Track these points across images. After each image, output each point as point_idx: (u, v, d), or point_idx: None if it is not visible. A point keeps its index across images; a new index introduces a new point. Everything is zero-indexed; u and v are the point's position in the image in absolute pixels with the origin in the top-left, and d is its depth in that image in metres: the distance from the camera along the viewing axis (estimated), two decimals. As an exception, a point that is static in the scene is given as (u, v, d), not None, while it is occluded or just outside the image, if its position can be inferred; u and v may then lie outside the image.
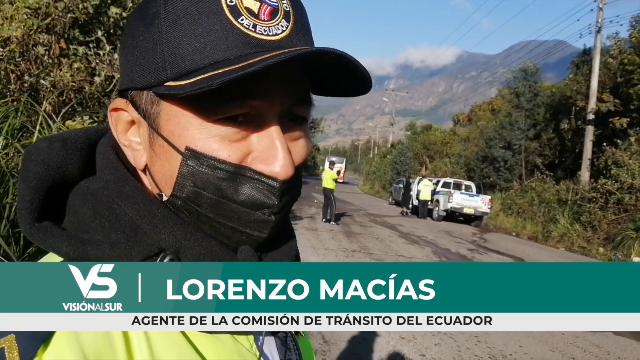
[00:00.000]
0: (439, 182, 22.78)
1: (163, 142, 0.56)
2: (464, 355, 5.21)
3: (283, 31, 0.55)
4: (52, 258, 0.56)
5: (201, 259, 0.57)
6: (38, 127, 3.76)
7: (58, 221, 0.58)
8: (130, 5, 5.73)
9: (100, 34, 5.39)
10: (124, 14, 5.62)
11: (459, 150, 35.33)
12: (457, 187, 22.49)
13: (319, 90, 0.64)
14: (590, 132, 19.91)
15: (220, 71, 0.50)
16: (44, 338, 0.47)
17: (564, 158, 24.35)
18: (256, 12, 0.54)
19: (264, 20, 0.54)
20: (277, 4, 0.56)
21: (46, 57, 4.84)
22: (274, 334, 0.67)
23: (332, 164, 16.93)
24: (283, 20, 0.56)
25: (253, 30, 0.53)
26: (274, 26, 0.55)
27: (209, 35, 0.52)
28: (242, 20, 0.53)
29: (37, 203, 0.56)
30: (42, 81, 4.71)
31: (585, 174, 19.63)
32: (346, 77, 0.58)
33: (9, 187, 3.20)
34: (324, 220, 15.58)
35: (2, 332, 0.46)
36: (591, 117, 19.68)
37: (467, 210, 20.33)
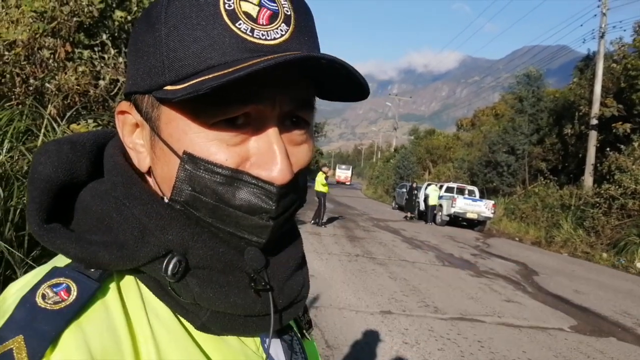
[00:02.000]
0: (442, 186, 22.80)
1: (163, 145, 0.57)
2: (467, 360, 5.20)
3: (282, 35, 0.54)
4: (60, 259, 0.57)
5: (208, 259, 0.57)
6: (43, 130, 3.77)
7: (66, 223, 0.59)
8: (135, 8, 5.75)
9: (105, 37, 5.41)
10: (129, 18, 5.64)
11: (462, 155, 35.33)
12: (460, 191, 22.50)
13: (321, 94, 0.63)
14: (593, 137, 19.88)
15: (211, 75, 0.50)
16: (52, 338, 0.47)
17: (567, 163, 24.30)
18: (254, 16, 0.53)
19: (262, 24, 0.54)
20: (277, 8, 0.55)
21: (51, 61, 4.85)
22: (279, 336, 0.67)
23: (325, 166, 16.97)
24: (282, 24, 0.55)
25: (250, 34, 0.53)
26: (272, 30, 0.54)
27: (206, 39, 0.52)
28: (240, 24, 0.53)
29: (46, 205, 0.57)
30: (47, 84, 4.72)
31: (588, 179, 19.60)
32: (342, 82, 0.58)
33: (13, 190, 3.20)
34: (316, 222, 15.65)
35: (11, 334, 0.47)
36: (594, 122, 19.66)
37: (470, 215, 20.33)
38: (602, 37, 20.03)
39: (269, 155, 0.55)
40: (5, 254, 2.86)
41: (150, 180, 0.62)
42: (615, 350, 6.07)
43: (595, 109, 19.61)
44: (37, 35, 4.77)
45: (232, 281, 0.59)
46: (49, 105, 4.48)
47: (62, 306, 0.50)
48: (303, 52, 0.55)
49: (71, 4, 5.01)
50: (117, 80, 5.24)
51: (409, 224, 20.85)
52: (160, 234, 0.56)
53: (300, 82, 0.58)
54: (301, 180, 0.61)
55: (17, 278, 0.67)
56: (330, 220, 17.00)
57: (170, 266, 0.55)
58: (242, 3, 0.53)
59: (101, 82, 5.10)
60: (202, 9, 0.53)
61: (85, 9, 5.13)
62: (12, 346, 0.46)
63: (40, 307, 0.49)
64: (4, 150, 3.49)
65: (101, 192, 0.59)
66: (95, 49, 5.38)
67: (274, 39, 0.54)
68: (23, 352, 0.46)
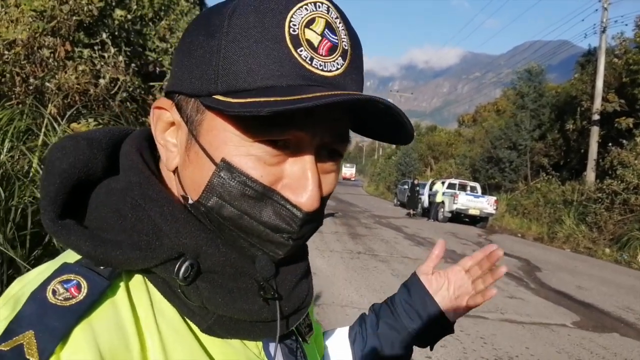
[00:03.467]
0: (443, 182, 22.83)
1: (199, 150, 0.57)
2: (470, 356, 5.19)
3: (337, 68, 0.56)
4: (69, 256, 0.57)
5: (220, 265, 0.58)
6: (43, 130, 3.77)
7: (79, 219, 0.59)
8: (135, 7, 5.75)
9: (104, 36, 5.40)
10: (129, 16, 5.64)
11: (463, 151, 35.34)
12: (462, 188, 22.50)
13: (358, 129, 0.65)
14: (595, 132, 19.86)
15: (272, 99, 0.50)
16: (62, 335, 0.47)
17: (569, 158, 24.28)
18: (316, 45, 0.55)
19: (322, 55, 0.55)
20: (337, 41, 0.56)
21: (51, 60, 4.85)
22: (281, 340, 0.67)
23: None
24: (339, 58, 0.56)
25: (309, 62, 0.54)
26: (330, 62, 0.55)
27: (265, 59, 0.53)
28: (301, 51, 0.54)
29: (61, 200, 0.57)
30: (47, 83, 4.72)
31: (590, 174, 19.58)
32: (389, 126, 0.60)
33: (14, 190, 3.21)
34: None
35: (21, 329, 0.47)
36: (596, 117, 19.64)
37: (472, 211, 20.33)
38: (603, 32, 19.99)
39: (301, 182, 0.57)
40: (10, 253, 2.86)
41: (172, 179, 0.63)
42: (618, 345, 6.06)
43: (597, 104, 19.58)
44: (37, 35, 4.76)
45: (241, 287, 0.60)
46: (49, 105, 4.47)
47: (73, 303, 0.50)
48: (352, 89, 0.57)
49: (71, 2, 5.00)
50: (117, 79, 5.24)
51: (411, 221, 20.87)
52: (174, 237, 0.57)
53: (344, 118, 0.60)
54: (324, 205, 0.62)
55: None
56: (332, 217, 16.99)
57: (182, 269, 0.56)
58: (306, 30, 0.54)
59: (101, 81, 5.10)
60: (267, 28, 0.53)
61: (85, 8, 5.12)
62: (22, 341, 0.46)
63: (50, 303, 0.49)
64: (5, 150, 3.49)
65: (117, 190, 0.59)
66: (95, 47, 5.38)
67: (330, 71, 0.55)
68: (33, 347, 0.46)
